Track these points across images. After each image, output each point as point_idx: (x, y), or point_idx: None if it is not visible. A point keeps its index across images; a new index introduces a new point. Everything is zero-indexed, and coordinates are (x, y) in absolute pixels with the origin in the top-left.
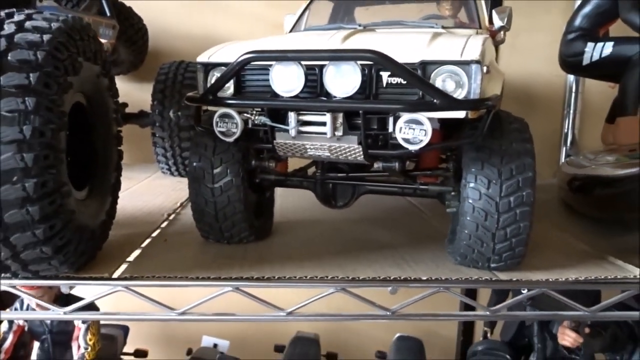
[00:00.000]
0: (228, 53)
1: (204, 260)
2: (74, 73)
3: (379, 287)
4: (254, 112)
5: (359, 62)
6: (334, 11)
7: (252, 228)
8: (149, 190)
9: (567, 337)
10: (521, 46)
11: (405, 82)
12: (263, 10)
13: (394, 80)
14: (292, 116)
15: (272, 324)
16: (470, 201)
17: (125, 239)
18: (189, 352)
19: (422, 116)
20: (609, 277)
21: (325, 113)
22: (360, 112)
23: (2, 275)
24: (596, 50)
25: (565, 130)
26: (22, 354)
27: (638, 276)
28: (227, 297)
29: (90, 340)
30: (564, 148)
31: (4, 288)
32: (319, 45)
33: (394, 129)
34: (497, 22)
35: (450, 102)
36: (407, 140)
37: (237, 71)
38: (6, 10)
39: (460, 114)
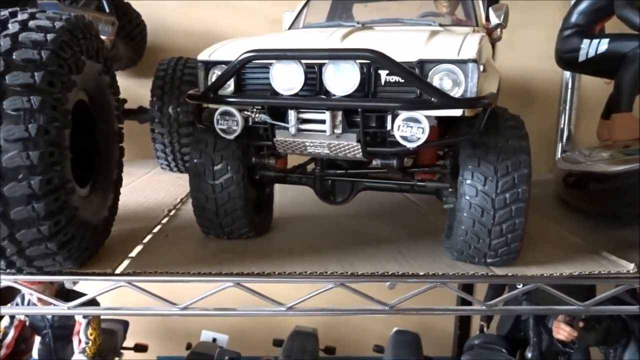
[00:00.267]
0: (228, 51)
1: (205, 255)
2: (77, 71)
3: (378, 282)
4: (255, 109)
5: (358, 61)
6: (332, 8)
7: (252, 224)
8: (149, 185)
9: (562, 331)
10: (517, 42)
11: (403, 80)
12: (261, 5)
13: (393, 79)
14: (292, 114)
15: (271, 318)
16: (467, 198)
17: (127, 234)
18: (189, 346)
19: (420, 114)
20: (603, 272)
21: (324, 111)
22: (359, 110)
23: (5, 270)
24: (592, 47)
25: (562, 126)
26: (23, 348)
27: (631, 271)
28: (228, 292)
29: (91, 334)
30: (560, 143)
31: (6, 284)
32: (318, 44)
33: (392, 127)
34: (494, 20)
35: (447, 101)
36: (405, 138)
37: (237, 70)
38: (10, 10)
39: (457, 112)
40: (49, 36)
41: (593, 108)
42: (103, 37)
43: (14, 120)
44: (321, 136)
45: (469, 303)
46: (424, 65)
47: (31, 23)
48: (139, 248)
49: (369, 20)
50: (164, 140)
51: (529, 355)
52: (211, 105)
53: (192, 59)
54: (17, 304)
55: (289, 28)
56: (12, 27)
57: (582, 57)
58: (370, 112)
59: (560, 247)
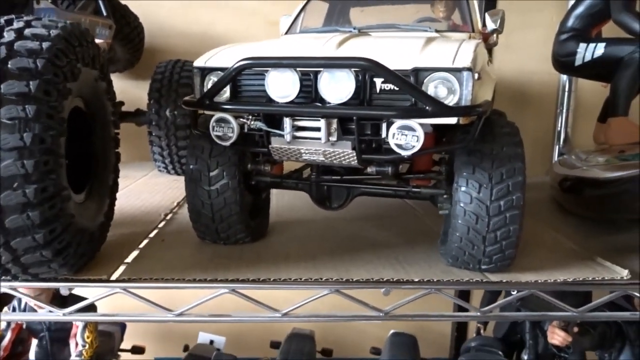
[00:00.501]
0: (224, 58)
1: (201, 260)
2: (73, 79)
3: (373, 288)
4: (250, 117)
5: (353, 69)
6: (329, 12)
7: (248, 229)
8: (146, 188)
9: (556, 336)
10: (515, 44)
11: (398, 88)
12: (260, 7)
13: (388, 87)
14: (287, 121)
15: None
16: (462, 204)
17: (124, 239)
18: (186, 348)
19: (415, 123)
20: (597, 278)
21: (319, 119)
22: (354, 118)
23: (0, 277)
24: (588, 51)
25: (558, 128)
26: (20, 350)
27: (625, 277)
28: (224, 296)
29: (88, 337)
30: (557, 146)
31: (4, 290)
32: (314, 51)
33: (387, 135)
34: (490, 25)
35: (441, 109)
36: (399, 146)
37: (233, 77)
38: (5, 17)
39: (451, 120)
40: (45, 44)
41: (590, 110)
42: (100, 41)
43: (9, 129)
44: (316, 144)
45: (465, 309)
46: (418, 73)
47: (27, 31)
48: (135, 253)
49: (366, 26)
50: (161, 143)
51: (525, 357)
52: (207, 112)
53: (190, 61)
54: (14, 308)
55: (286, 32)
56: (8, 36)
57: (578, 61)
58: (365, 120)
59: (555, 252)
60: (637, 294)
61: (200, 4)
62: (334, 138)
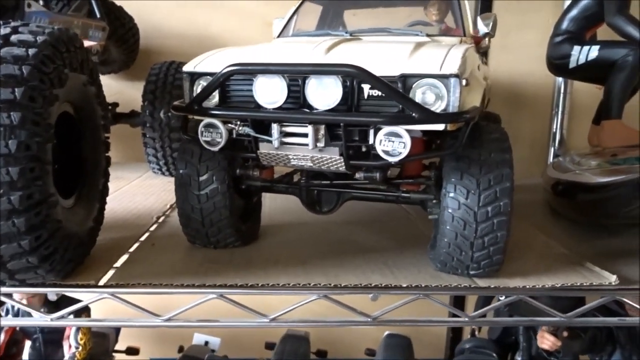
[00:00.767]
0: (214, 63)
1: (190, 265)
2: (59, 85)
3: (361, 293)
4: (238, 122)
5: (341, 75)
6: (322, 15)
7: (238, 233)
8: (139, 190)
9: (546, 341)
10: (511, 45)
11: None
12: (255, 8)
13: (376, 93)
14: (275, 127)
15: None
16: (450, 210)
17: (114, 243)
18: (181, 349)
19: (402, 129)
20: (585, 284)
21: (307, 125)
22: (341, 124)
23: None
24: (582, 54)
25: (554, 130)
26: (14, 351)
27: (613, 283)
28: (215, 300)
29: (81, 339)
30: (552, 148)
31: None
32: (303, 56)
33: (374, 141)
34: (482, 29)
35: (428, 116)
36: (386, 152)
37: (220, 83)
38: None
39: (439, 127)
40: (31, 51)
41: (585, 112)
42: (93, 43)
43: None
44: (304, 149)
45: (460, 308)
46: (406, 79)
47: (13, 37)
48: (125, 257)
49: (357, 30)
50: (155, 145)
51: (519, 359)
52: (196, 117)
53: (185, 63)
54: (7, 310)
55: (279, 35)
56: None
57: (572, 64)
58: (352, 127)
59: (546, 257)
60: (626, 300)
61: (196, 5)
62: (321, 144)
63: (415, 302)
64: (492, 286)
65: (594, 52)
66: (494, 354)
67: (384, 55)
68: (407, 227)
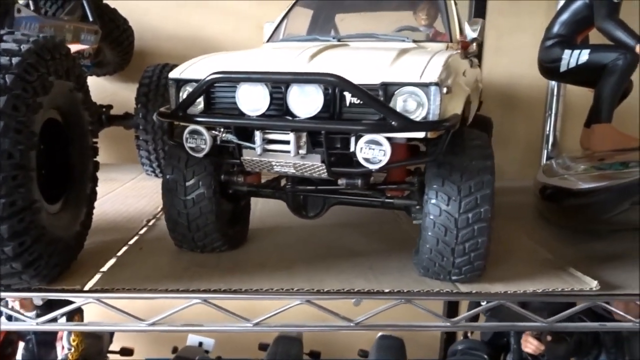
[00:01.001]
0: (199, 69)
1: (176, 269)
2: (44, 93)
3: (343, 299)
4: (222, 129)
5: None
6: (313, 19)
7: (224, 237)
8: (132, 192)
9: (530, 345)
10: (505, 47)
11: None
12: (249, 9)
13: (357, 100)
14: (257, 135)
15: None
16: (432, 217)
17: (103, 246)
18: (174, 350)
19: (382, 137)
20: (566, 289)
21: (288, 132)
22: (323, 132)
23: None
24: (573, 57)
25: (547, 132)
26: (9, 352)
27: (594, 288)
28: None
29: (73, 341)
30: (546, 150)
31: None
32: (286, 64)
33: (355, 149)
34: (470, 34)
35: (407, 124)
36: (367, 160)
37: (203, 91)
38: None
39: (419, 134)
40: (14, 60)
41: (579, 115)
42: (85, 46)
43: None
44: (286, 156)
45: (454, 312)
46: (387, 87)
47: None
48: (113, 261)
49: (345, 35)
50: (148, 147)
51: None
52: (182, 123)
53: (178, 65)
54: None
55: (268, 40)
56: None
57: (563, 67)
58: (334, 134)
59: (530, 262)
60: (607, 305)
61: (190, 7)
62: (303, 151)
63: (403, 306)
64: (474, 291)
65: (584, 56)
66: (485, 356)
67: (366, 62)
68: (396, 231)
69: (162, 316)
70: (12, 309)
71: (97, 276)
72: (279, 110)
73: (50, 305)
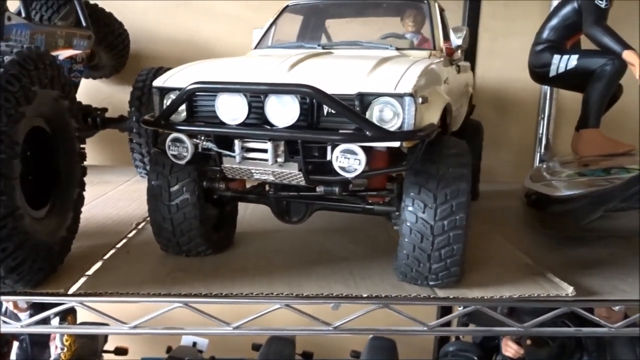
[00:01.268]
0: (183, 78)
1: (160, 274)
2: (26, 103)
3: (321, 303)
4: (203, 137)
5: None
6: (302, 25)
7: (208, 242)
8: (124, 195)
9: (509, 349)
10: (499, 50)
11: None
12: (244, 14)
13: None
14: (236, 143)
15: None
16: (408, 224)
17: (90, 250)
18: (169, 350)
19: (357, 147)
20: (543, 295)
21: (266, 141)
22: (299, 141)
23: None
24: (562, 63)
25: (540, 135)
26: (4, 351)
27: (570, 294)
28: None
29: (66, 341)
30: (538, 153)
31: None
32: (266, 73)
33: (332, 157)
34: (455, 41)
35: (382, 134)
36: (343, 169)
37: (183, 100)
38: None
39: (395, 144)
40: None
41: (571, 118)
42: (78, 52)
43: None
44: (265, 164)
45: (449, 312)
46: (363, 97)
47: None
48: (99, 264)
49: (330, 43)
50: (142, 150)
51: None
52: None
53: (171, 69)
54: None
55: (256, 46)
56: None
57: (552, 72)
58: (311, 143)
59: (509, 267)
60: (582, 311)
61: (185, 11)
62: (281, 159)
63: (385, 310)
64: (451, 296)
65: (573, 61)
66: (475, 357)
67: (344, 72)
68: (382, 236)
69: (145, 319)
70: (7, 309)
71: (83, 279)
72: (258, 119)
73: (42, 307)
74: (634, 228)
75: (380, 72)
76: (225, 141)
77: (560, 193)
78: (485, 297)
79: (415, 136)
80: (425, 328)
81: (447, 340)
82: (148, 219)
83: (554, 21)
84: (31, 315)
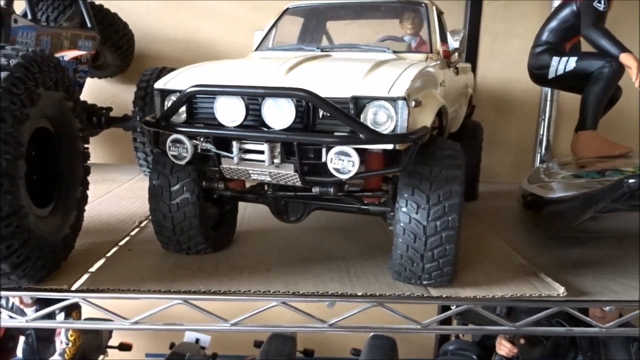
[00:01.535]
0: (183, 80)
1: (160, 271)
2: (31, 105)
3: (317, 301)
4: (202, 138)
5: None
6: (304, 26)
7: (208, 240)
8: (128, 193)
9: (503, 348)
10: (499, 52)
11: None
12: (245, 14)
13: None
14: (234, 144)
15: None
16: (402, 224)
17: (93, 247)
18: (172, 346)
19: (350, 149)
20: (534, 295)
21: (263, 143)
22: (294, 143)
23: None
24: (561, 65)
25: (540, 136)
26: (11, 345)
27: (561, 294)
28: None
29: (71, 336)
30: (539, 153)
31: None
32: (264, 76)
33: (326, 159)
34: (451, 44)
35: (375, 137)
36: (337, 170)
37: (183, 103)
38: None
39: (388, 146)
40: (3, 74)
41: (572, 119)
42: (83, 52)
43: None
44: (262, 165)
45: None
46: (358, 100)
47: None
48: (102, 262)
49: (328, 46)
50: (145, 149)
51: None
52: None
53: (175, 69)
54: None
55: (257, 48)
56: None
57: (551, 74)
58: (306, 145)
59: (503, 267)
60: (573, 311)
61: (189, 12)
62: (278, 160)
63: (380, 308)
64: (444, 296)
65: (571, 63)
66: (474, 356)
67: (340, 76)
68: (380, 235)
69: (144, 315)
70: (13, 305)
71: (86, 276)
72: (255, 121)
73: (47, 303)
74: (623, 229)
75: (375, 76)
76: (224, 142)
77: (553, 195)
78: (478, 297)
79: (407, 139)
80: (419, 326)
81: (448, 338)
82: (150, 217)
83: (553, 23)
84: (37, 311)
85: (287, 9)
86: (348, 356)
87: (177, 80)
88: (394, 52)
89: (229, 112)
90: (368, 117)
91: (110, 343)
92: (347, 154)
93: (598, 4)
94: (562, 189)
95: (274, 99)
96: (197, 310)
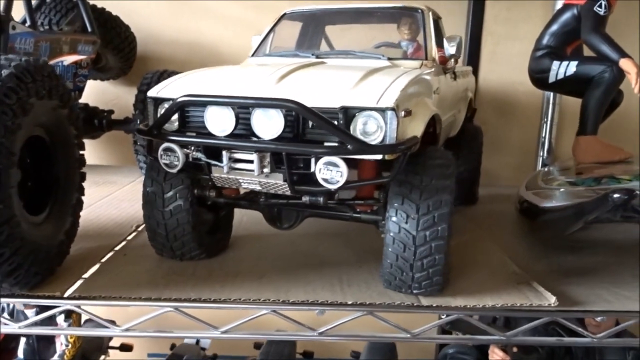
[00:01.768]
0: (175, 89)
1: (154, 277)
2: (23, 114)
3: (307, 310)
4: (192, 147)
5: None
6: (302, 31)
7: (202, 246)
8: (128, 196)
9: (495, 356)
10: (501, 54)
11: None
12: (246, 16)
13: None
14: (224, 154)
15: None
16: (392, 234)
17: (88, 252)
18: (172, 347)
19: (339, 159)
20: (525, 304)
21: (252, 152)
22: (283, 153)
23: None
24: (561, 69)
25: (543, 139)
26: (13, 346)
27: (552, 304)
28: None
29: (70, 337)
30: (541, 156)
31: None
32: (255, 86)
33: (315, 169)
34: (448, 50)
35: (363, 147)
36: (325, 180)
37: (173, 112)
38: None
39: (377, 156)
40: None
41: (574, 122)
42: (83, 57)
43: None
44: (252, 174)
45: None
46: (347, 110)
47: None
48: (96, 267)
49: (323, 53)
50: (145, 152)
51: None
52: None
53: (176, 72)
54: (2, 309)
55: (253, 54)
56: None
57: (552, 78)
58: (295, 155)
59: (496, 275)
60: (564, 321)
61: (191, 14)
62: (267, 170)
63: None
64: (434, 305)
65: (572, 67)
66: None
67: (330, 85)
68: (375, 242)
69: (136, 322)
70: (14, 307)
71: (79, 282)
72: (245, 131)
73: (46, 306)
74: (614, 239)
75: (365, 86)
76: (214, 152)
77: (547, 204)
78: (468, 306)
79: (396, 149)
80: (409, 335)
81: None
82: None
83: (554, 27)
84: (37, 313)
85: (285, 14)
86: (348, 358)
87: (170, 89)
88: (389, 59)
89: (219, 122)
90: (358, 127)
91: (112, 344)
92: (335, 165)
93: (599, 9)
94: (557, 198)
95: (263, 109)
96: (187, 318)
